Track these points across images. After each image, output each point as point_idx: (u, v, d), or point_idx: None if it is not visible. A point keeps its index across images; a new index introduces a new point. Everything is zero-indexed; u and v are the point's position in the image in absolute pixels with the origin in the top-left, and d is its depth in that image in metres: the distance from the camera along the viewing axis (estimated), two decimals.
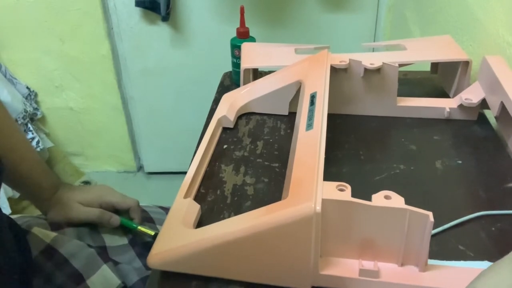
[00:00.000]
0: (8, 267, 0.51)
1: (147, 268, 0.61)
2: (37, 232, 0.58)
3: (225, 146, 0.60)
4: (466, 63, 0.65)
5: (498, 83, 0.57)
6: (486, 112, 0.64)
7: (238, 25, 0.90)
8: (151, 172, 1.80)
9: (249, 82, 0.69)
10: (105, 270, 0.58)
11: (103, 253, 0.61)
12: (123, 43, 1.51)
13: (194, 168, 0.53)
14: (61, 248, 0.58)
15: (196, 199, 0.50)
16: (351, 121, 0.65)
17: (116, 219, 0.63)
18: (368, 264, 0.39)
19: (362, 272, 0.39)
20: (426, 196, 0.52)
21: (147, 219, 0.68)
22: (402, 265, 0.40)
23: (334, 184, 0.39)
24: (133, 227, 0.64)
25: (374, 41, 1.49)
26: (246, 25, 0.93)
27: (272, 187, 0.53)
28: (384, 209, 0.37)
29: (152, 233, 0.63)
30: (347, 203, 0.37)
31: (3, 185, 0.54)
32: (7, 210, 1.35)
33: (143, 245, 0.65)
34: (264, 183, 0.53)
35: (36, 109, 1.61)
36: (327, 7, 1.43)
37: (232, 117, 0.63)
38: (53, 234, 0.59)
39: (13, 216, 0.61)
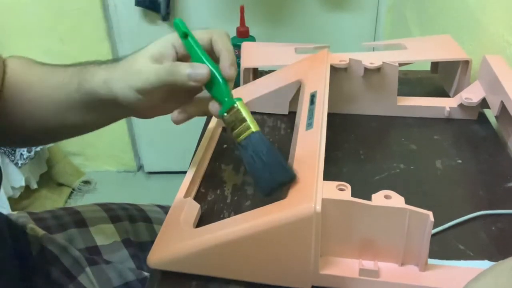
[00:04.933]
0: (8, 267, 0.51)
1: (141, 269, 0.60)
2: (30, 231, 0.58)
3: (225, 146, 0.60)
4: (466, 63, 0.65)
5: (498, 82, 0.57)
6: (486, 111, 0.64)
7: (238, 25, 0.90)
8: (151, 172, 1.80)
9: (249, 81, 0.69)
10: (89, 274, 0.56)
11: (94, 253, 0.60)
12: (123, 43, 1.50)
13: (194, 167, 0.52)
14: (49, 246, 0.57)
15: (196, 198, 0.50)
16: (351, 120, 0.65)
17: (199, 69, 0.43)
18: (368, 264, 0.39)
19: (362, 271, 0.39)
20: (426, 196, 0.51)
21: (145, 219, 0.67)
22: (402, 264, 0.40)
23: (334, 183, 0.39)
24: (225, 93, 0.43)
25: (374, 41, 1.49)
26: (246, 25, 0.93)
27: None
28: (384, 208, 0.37)
29: (255, 129, 0.43)
30: (347, 202, 0.37)
31: (3, 185, 0.54)
32: (7, 210, 1.35)
33: (138, 246, 0.64)
34: None
35: None
36: (327, 6, 1.43)
37: None
38: (42, 232, 0.58)
39: (6, 213, 0.60)
